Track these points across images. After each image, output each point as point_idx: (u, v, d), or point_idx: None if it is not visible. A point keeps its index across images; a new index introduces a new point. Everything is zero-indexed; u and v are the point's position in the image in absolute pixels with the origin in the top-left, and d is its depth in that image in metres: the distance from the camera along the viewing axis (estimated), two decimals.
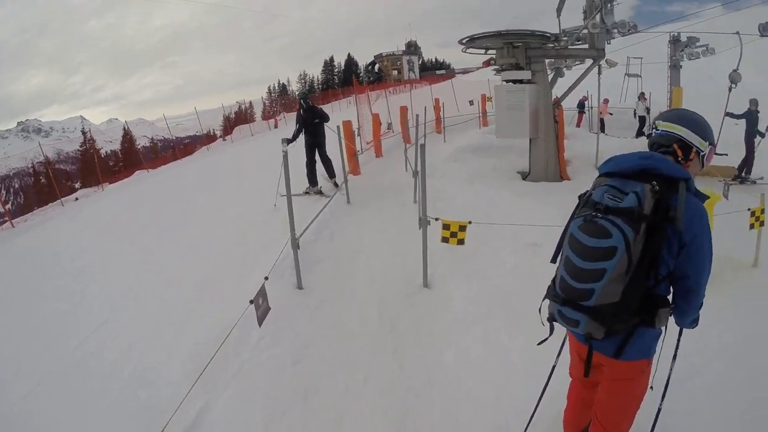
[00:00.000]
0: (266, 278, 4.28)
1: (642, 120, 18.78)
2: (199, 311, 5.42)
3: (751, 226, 5.86)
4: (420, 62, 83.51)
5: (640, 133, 18.16)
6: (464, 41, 11.68)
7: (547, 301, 2.33)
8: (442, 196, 9.18)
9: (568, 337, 2.69)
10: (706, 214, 2.10)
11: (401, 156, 13.59)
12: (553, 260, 2.40)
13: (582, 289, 2.06)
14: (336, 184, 10.46)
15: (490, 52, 12.45)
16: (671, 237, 2.02)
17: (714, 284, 2.48)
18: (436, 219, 5.44)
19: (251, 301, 3.85)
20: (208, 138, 44.55)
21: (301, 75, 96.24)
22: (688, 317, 2.28)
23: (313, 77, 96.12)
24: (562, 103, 12.12)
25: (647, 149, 2.33)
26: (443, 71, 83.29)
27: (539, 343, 2.56)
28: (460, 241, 5.27)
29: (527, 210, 8.55)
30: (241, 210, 10.14)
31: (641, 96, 19.58)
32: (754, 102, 12.00)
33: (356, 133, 12.97)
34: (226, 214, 10.05)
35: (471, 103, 22.17)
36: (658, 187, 2.00)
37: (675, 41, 19.67)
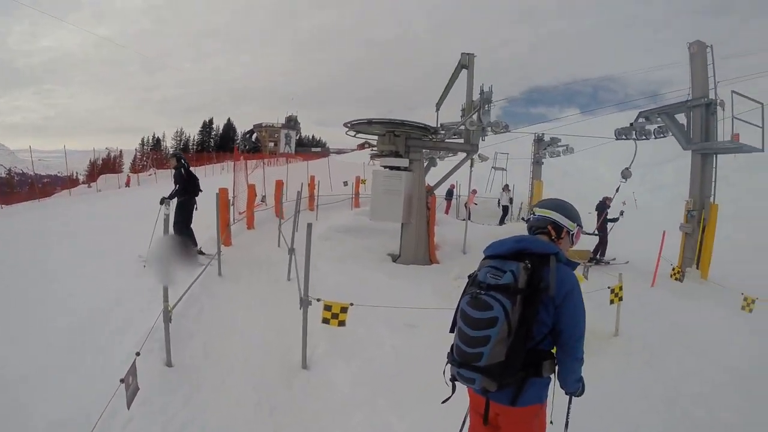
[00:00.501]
0: (138, 354, 3.88)
1: (505, 209, 20.79)
2: (53, 387, 4.67)
3: (611, 302, 6.84)
4: (297, 137, 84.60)
5: (502, 221, 19.88)
6: (350, 124, 12.20)
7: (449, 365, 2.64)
8: (314, 275, 9.12)
9: (469, 402, 2.89)
10: (575, 278, 2.58)
11: (273, 230, 13.43)
12: (451, 330, 2.74)
13: (473, 353, 2.41)
14: (202, 252, 10.05)
15: (371, 137, 13.12)
16: (546, 301, 2.46)
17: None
18: (318, 299, 5.39)
19: (122, 380, 3.44)
20: (71, 181, 39.95)
21: (177, 132, 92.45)
22: (570, 374, 2.65)
23: (190, 136, 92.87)
24: (435, 191, 12.94)
25: (515, 234, 2.79)
26: (319, 149, 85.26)
27: (443, 402, 2.82)
28: (341, 323, 5.24)
29: (400, 291, 8.81)
30: (104, 269, 9.19)
31: (506, 188, 21.75)
32: (608, 198, 14.09)
33: (230, 202, 12.63)
34: (88, 272, 9.00)
35: (345, 183, 22.78)
36: (530, 265, 2.46)
37: (539, 140, 22.24)
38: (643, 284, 10.26)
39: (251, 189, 15.08)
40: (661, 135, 13.07)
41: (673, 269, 10.26)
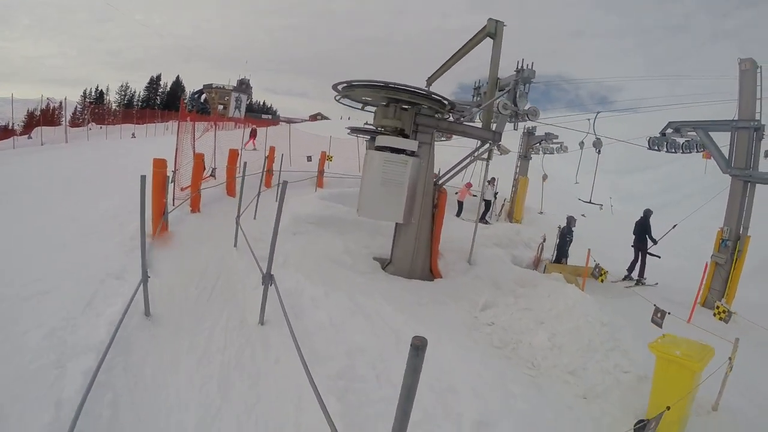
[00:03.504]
0: None
1: (487, 204, 17.45)
2: None
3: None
4: (248, 102, 77.54)
5: (484, 218, 16.81)
6: (341, 86, 8.57)
7: None
8: (295, 301, 5.77)
9: None
10: None
11: (224, 214, 9.84)
12: None
13: None
14: None
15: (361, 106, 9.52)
16: None
17: None
18: None
19: None
20: (6, 132, 33.47)
21: (122, 86, 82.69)
22: None
23: (135, 92, 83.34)
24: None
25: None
26: (269, 116, 78.81)
27: None
28: None
29: (437, 353, 5.46)
30: None
31: (492, 180, 18.50)
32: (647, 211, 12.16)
33: (170, 178, 8.72)
34: None
35: (309, 159, 18.95)
36: None
37: (529, 134, 19.29)
38: (677, 320, 7.46)
39: (199, 159, 11.08)
40: (688, 151, 11.61)
41: (718, 308, 7.92)
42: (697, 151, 11.66)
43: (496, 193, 18.44)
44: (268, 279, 5.07)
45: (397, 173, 8.41)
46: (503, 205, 19.45)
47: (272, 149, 17.32)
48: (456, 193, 17.30)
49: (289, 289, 5.88)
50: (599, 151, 13.32)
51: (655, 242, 11.68)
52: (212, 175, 12.88)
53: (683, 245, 15.95)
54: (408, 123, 8.58)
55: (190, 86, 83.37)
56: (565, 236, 12.06)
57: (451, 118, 10.22)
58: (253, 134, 23.89)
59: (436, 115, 9.09)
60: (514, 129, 10.06)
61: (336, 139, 23.46)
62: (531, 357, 5.96)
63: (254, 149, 21.08)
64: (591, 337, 5.96)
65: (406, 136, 8.59)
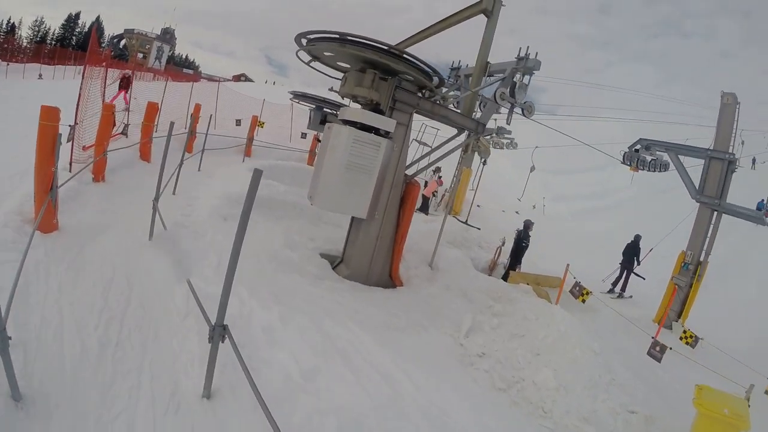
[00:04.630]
0: None
1: (426, 199, 15.96)
2: None
3: None
4: (170, 53, 70.06)
5: (426, 208, 15.41)
6: (307, 38, 6.56)
7: None
8: (243, 335, 3.94)
9: None
10: None
11: (135, 185, 7.75)
12: None
13: None
14: None
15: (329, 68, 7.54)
16: None
17: None
18: None
19: None
20: None
21: (36, 20, 71.48)
22: None
23: (50, 29, 72.36)
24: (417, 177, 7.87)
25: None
26: (190, 71, 72.00)
27: None
28: None
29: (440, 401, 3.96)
30: None
31: (437, 169, 17.04)
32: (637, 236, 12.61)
33: (67, 135, 6.30)
34: None
35: (238, 123, 16.46)
36: None
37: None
38: (642, 336, 7.66)
39: (108, 112, 8.50)
40: (653, 169, 11.67)
41: (685, 332, 7.80)
42: (660, 171, 11.70)
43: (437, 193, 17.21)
44: (218, 336, 3.09)
45: (367, 157, 6.59)
46: (443, 195, 18.13)
47: (197, 107, 14.73)
48: (425, 185, 15.82)
49: (232, 315, 3.94)
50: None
51: (638, 263, 12.26)
52: (123, 132, 10.31)
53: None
54: (385, 96, 6.76)
55: (111, 30, 74.36)
56: (521, 241, 10.94)
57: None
58: (124, 84, 14.34)
59: (422, 93, 7.34)
60: (507, 123, 8.69)
61: (269, 103, 20.92)
62: (540, 401, 5.26)
63: (126, 109, 13.06)
64: (590, 370, 5.64)
65: (380, 112, 6.77)
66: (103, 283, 4.67)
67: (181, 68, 69.57)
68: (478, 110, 9.35)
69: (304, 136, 17.99)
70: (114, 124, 9.03)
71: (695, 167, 10.55)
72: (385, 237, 7.43)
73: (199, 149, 12.84)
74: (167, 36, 66.30)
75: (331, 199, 6.61)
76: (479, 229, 9.69)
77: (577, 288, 8.28)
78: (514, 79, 8.27)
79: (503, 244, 11.31)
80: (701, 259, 10.22)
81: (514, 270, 10.58)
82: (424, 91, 7.49)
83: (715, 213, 10.13)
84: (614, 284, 12.33)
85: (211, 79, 58.95)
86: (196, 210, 7.74)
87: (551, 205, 23.79)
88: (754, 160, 33.08)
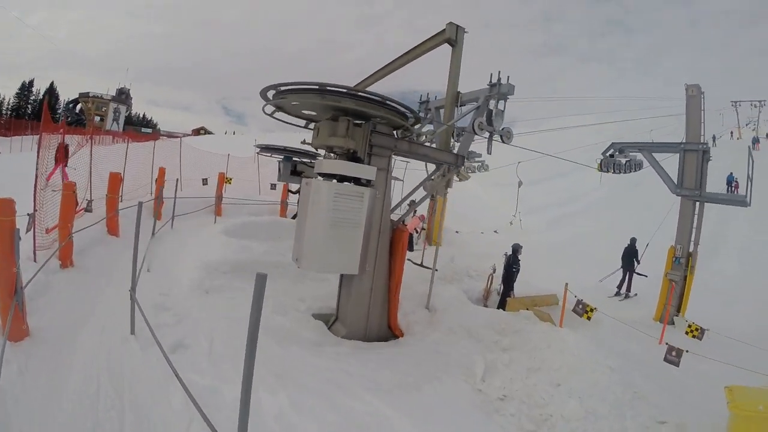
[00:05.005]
0: None
1: (410, 235, 15.65)
2: None
3: None
4: (127, 113, 68.53)
5: (409, 246, 15.08)
6: (272, 91, 6.27)
7: None
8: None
9: None
10: None
11: (105, 267, 7.19)
12: None
13: None
14: None
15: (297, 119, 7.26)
16: None
17: None
18: None
19: None
20: None
21: None
22: None
23: (4, 98, 69.84)
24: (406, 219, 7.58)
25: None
26: (149, 130, 70.67)
27: None
28: None
29: None
30: None
31: (412, 203, 16.84)
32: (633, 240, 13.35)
33: (26, 225, 5.79)
34: None
35: (205, 182, 15.90)
36: None
37: None
38: (649, 340, 7.54)
39: (69, 191, 7.93)
40: (628, 170, 12.04)
41: (690, 326, 7.92)
42: (635, 171, 12.04)
43: (423, 228, 16.93)
44: None
45: (351, 210, 6.26)
46: (422, 229, 17.84)
47: (161, 171, 14.19)
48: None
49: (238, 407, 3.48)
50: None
51: (638, 263, 12.89)
52: (87, 208, 9.71)
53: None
54: (362, 143, 6.47)
55: (66, 95, 72.45)
56: (511, 267, 10.63)
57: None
58: (60, 157, 9.77)
59: (399, 133, 7.09)
60: (489, 153, 8.50)
61: (234, 157, 20.38)
62: None
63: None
64: (612, 390, 5.54)
65: (357, 160, 6.47)
66: (90, 397, 4.14)
67: (139, 128, 68.33)
68: (453, 142, 9.14)
69: (273, 187, 17.48)
70: (76, 203, 8.44)
71: (667, 160, 10.66)
72: (379, 288, 7.06)
73: (167, 215, 12.32)
74: (123, 96, 64.99)
75: (318, 259, 6.22)
76: (437, 270, 9.49)
77: (581, 306, 8.02)
78: (489, 107, 8.14)
79: (494, 271, 11.03)
80: (690, 250, 10.24)
81: (509, 296, 10.30)
82: (397, 131, 7.25)
83: (697, 203, 10.16)
84: (619, 287, 12.97)
85: (171, 135, 57.76)
86: (175, 286, 7.20)
87: (526, 218, 23.77)
88: (714, 137, 35.23)
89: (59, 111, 61.00)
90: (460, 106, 8.14)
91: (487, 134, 8.07)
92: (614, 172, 11.79)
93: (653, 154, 10.81)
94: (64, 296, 6.22)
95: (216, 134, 70.28)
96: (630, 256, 12.94)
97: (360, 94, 5.90)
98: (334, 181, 6.25)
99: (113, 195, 10.31)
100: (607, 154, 11.73)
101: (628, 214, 22.86)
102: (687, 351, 6.10)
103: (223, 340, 5.42)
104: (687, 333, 7.85)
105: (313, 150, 13.09)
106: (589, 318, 7.98)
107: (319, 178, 6.45)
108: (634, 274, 12.84)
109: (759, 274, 14.71)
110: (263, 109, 6.95)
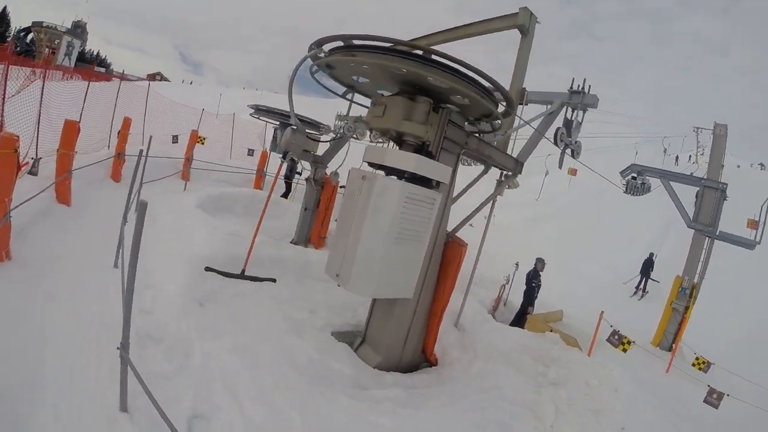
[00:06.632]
0: None
1: None
2: None
3: None
4: (81, 49, 60.87)
5: None
6: (322, 49, 4.55)
7: None
8: None
9: None
10: None
11: (56, 255, 5.59)
12: None
13: None
14: None
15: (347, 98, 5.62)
16: None
17: None
18: None
19: None
20: None
21: None
22: None
23: None
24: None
25: None
26: (102, 69, 63.42)
27: None
28: None
29: None
30: None
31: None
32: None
33: None
34: None
35: (175, 140, 13.53)
36: None
37: None
38: (655, 369, 7.59)
39: (9, 148, 5.63)
40: (640, 193, 11.65)
41: (697, 359, 7.75)
42: (644, 194, 11.85)
43: None
44: None
45: (420, 220, 4.70)
46: None
47: (126, 121, 11.56)
48: None
49: None
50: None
51: (653, 270, 16.59)
52: (32, 171, 7.45)
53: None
54: (434, 132, 4.86)
55: (18, 23, 63.50)
56: (531, 281, 9.72)
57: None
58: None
59: (480, 123, 5.54)
60: (560, 167, 7.47)
61: (209, 114, 17.82)
62: None
63: None
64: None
65: (428, 155, 4.87)
66: None
67: (92, 66, 61.28)
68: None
69: (251, 153, 15.36)
70: (19, 166, 6.08)
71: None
72: (423, 312, 5.61)
73: (127, 178, 9.83)
74: (78, 30, 57.52)
75: (375, 281, 4.61)
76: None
77: (616, 337, 7.14)
78: (569, 116, 7.06)
79: (507, 282, 9.98)
80: (695, 281, 10.20)
81: (527, 312, 9.30)
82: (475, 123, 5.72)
83: (708, 239, 10.12)
84: (637, 288, 16.62)
85: (122, 77, 51.96)
86: (159, 297, 5.11)
87: (500, 214, 22.97)
88: (677, 158, 39.20)
89: (8, 39, 53.25)
90: (524, 104, 6.70)
91: (563, 145, 6.84)
92: (632, 194, 11.63)
93: (671, 182, 10.68)
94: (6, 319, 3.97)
95: (173, 82, 64.61)
96: (647, 267, 16.67)
97: (485, 74, 4.23)
98: (403, 180, 4.63)
99: (66, 151, 8.04)
100: (630, 176, 11.57)
101: (596, 221, 23.49)
102: (728, 395, 5.93)
103: (252, 394, 3.73)
104: (694, 365, 7.76)
105: (314, 120, 11.27)
106: (625, 350, 7.14)
107: (379, 172, 4.77)
108: (650, 280, 16.56)
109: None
110: (311, 73, 5.14)
